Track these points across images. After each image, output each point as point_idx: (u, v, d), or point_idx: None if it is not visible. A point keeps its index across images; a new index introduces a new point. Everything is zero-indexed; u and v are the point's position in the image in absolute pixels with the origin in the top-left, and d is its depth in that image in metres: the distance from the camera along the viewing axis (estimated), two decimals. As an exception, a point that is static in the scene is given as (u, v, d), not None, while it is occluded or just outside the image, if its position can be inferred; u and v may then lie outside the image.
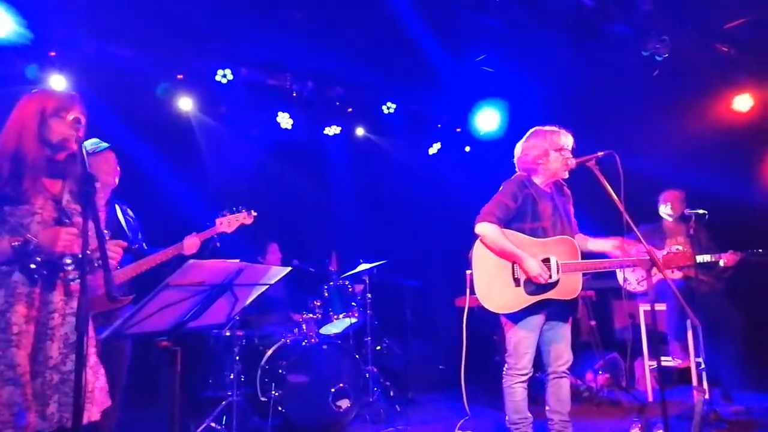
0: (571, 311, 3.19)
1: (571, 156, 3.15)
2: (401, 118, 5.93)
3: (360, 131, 6.10)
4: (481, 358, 5.18)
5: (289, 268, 2.30)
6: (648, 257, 2.76)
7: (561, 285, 3.03)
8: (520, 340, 3.10)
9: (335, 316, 4.62)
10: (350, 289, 4.74)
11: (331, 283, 4.77)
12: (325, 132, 5.88)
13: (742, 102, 5.19)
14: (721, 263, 4.43)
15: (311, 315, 4.54)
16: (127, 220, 3.24)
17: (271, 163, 5.69)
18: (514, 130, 3.54)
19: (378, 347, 5.21)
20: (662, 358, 4.90)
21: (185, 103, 5.05)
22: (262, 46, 4.75)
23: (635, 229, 2.81)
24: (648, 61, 4.62)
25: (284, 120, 5.42)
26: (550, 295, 3.03)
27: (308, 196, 5.86)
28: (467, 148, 6.57)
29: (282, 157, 5.74)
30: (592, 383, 4.95)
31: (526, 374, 3.11)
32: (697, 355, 4.54)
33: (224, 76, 4.87)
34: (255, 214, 3.52)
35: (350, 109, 5.78)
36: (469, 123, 6.03)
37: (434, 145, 6.38)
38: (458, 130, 6.32)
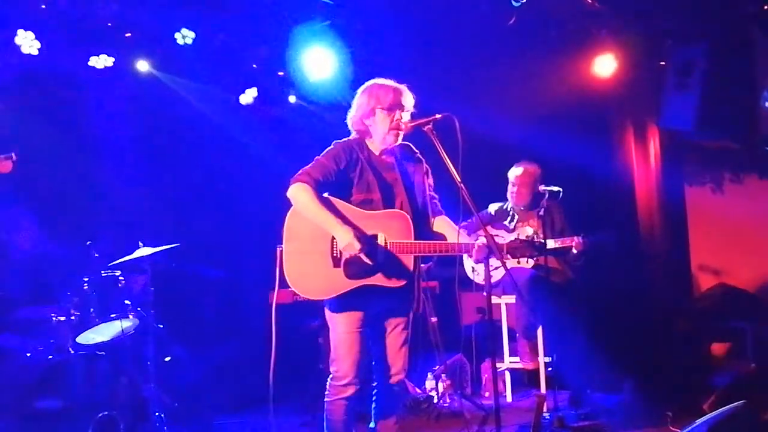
0: (407, 305, 3.32)
1: (407, 118, 3.27)
2: (202, 53, 5.69)
3: (142, 65, 5.75)
4: (302, 366, 5.29)
5: None
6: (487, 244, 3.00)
7: (388, 269, 3.16)
8: (340, 340, 3.20)
9: (99, 320, 4.49)
10: (122, 282, 4.63)
11: (102, 273, 4.60)
12: (90, 63, 5.43)
13: (604, 64, 5.72)
14: (573, 250, 4.94)
15: (64, 318, 4.38)
16: None
17: (8, 102, 5.20)
18: (354, 81, 3.60)
19: (165, 358, 5.09)
20: (510, 359, 5.39)
21: None
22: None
23: (473, 208, 3.01)
24: (503, 5, 4.94)
25: (27, 42, 4.90)
26: (374, 280, 3.15)
27: (66, 153, 5.44)
28: (292, 98, 6.51)
29: (25, 94, 5.28)
30: (432, 391, 5.28)
31: (348, 384, 3.20)
32: (546, 354, 5.06)
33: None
34: (15, 158, 3.11)
35: (129, 34, 5.42)
36: (295, 66, 5.95)
37: (248, 91, 6.22)
38: (280, 73, 6.22)
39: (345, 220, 3.13)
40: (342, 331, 3.20)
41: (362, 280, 3.15)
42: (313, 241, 3.15)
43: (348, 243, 3.07)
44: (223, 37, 5.77)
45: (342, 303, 3.18)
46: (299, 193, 3.14)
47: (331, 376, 3.25)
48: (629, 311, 5.75)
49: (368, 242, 3.14)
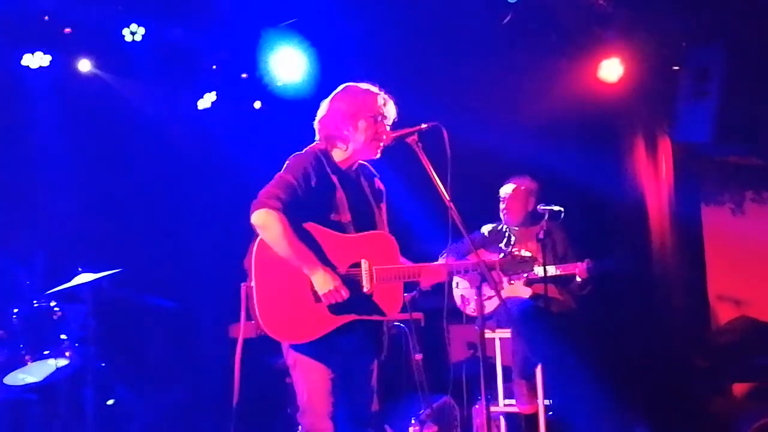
0: (377, 343, 3.36)
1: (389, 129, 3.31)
2: (154, 51, 5.73)
3: (84, 65, 5.79)
4: (266, 410, 5.28)
5: None
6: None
7: (376, 299, 3.20)
8: (315, 389, 3.18)
9: (30, 357, 4.43)
10: (58, 314, 4.58)
11: (34, 303, 4.56)
12: (24, 62, 5.46)
13: (611, 68, 5.81)
14: (577, 277, 5.00)
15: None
16: None
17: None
18: (327, 84, 3.64)
19: (107, 402, 5.09)
20: (506, 401, 5.42)
21: None
22: None
23: (463, 230, 3.04)
24: (498, 2, 5.03)
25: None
26: (362, 314, 3.18)
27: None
28: (257, 104, 6.57)
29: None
30: (416, 440, 5.29)
31: None
32: (546, 397, 5.09)
33: None
34: None
35: (69, 29, 5.44)
36: (260, 67, 6.04)
37: (206, 95, 6.28)
38: (244, 76, 6.29)
39: (332, 252, 3.14)
40: (317, 378, 3.18)
41: (349, 316, 3.16)
42: (289, 276, 3.11)
43: (330, 290, 3.08)
44: (178, 33, 5.82)
45: (314, 344, 3.16)
46: (269, 222, 3.07)
47: (301, 429, 3.23)
48: (640, 347, 5.81)
49: (348, 279, 3.17)
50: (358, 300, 3.16)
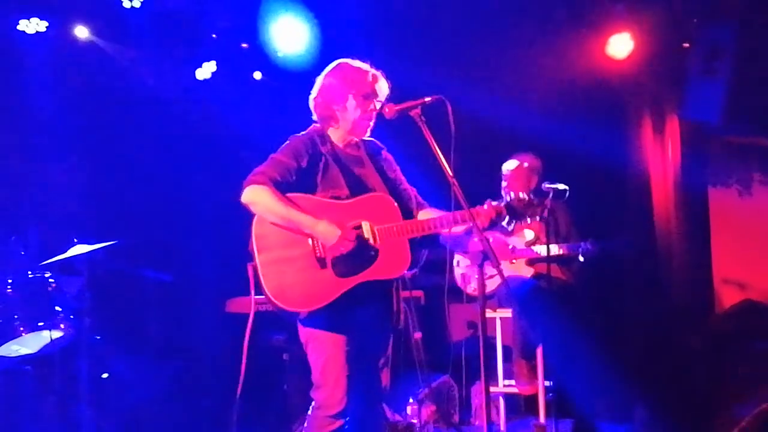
0: (391, 318, 3.38)
1: (379, 106, 3.31)
2: (152, 18, 5.69)
3: (81, 31, 5.74)
4: (264, 386, 5.28)
5: None
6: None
7: (382, 259, 3.22)
8: (328, 362, 3.21)
9: (25, 329, 4.45)
10: (53, 285, 4.59)
11: (29, 274, 4.58)
12: (20, 27, 5.43)
13: (620, 44, 5.80)
14: (580, 257, 4.98)
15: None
16: None
17: None
18: (329, 55, 3.64)
19: (102, 375, 5.09)
20: (505, 382, 5.42)
21: None
22: None
23: (466, 206, 3.03)
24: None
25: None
26: (371, 274, 3.20)
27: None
28: (257, 75, 6.54)
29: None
30: (414, 418, 5.29)
31: (339, 414, 3.21)
32: (546, 377, 5.09)
33: None
34: None
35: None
36: (261, 37, 6.00)
37: (205, 65, 6.24)
38: (244, 45, 6.25)
39: (325, 218, 3.15)
40: (330, 352, 3.21)
41: (357, 277, 3.18)
42: (290, 246, 3.16)
43: (336, 236, 3.09)
44: (177, 2, 5.79)
45: (329, 316, 3.20)
46: (257, 196, 3.13)
47: (315, 404, 3.26)
48: (642, 329, 5.81)
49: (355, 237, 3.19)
50: (363, 261, 3.18)
